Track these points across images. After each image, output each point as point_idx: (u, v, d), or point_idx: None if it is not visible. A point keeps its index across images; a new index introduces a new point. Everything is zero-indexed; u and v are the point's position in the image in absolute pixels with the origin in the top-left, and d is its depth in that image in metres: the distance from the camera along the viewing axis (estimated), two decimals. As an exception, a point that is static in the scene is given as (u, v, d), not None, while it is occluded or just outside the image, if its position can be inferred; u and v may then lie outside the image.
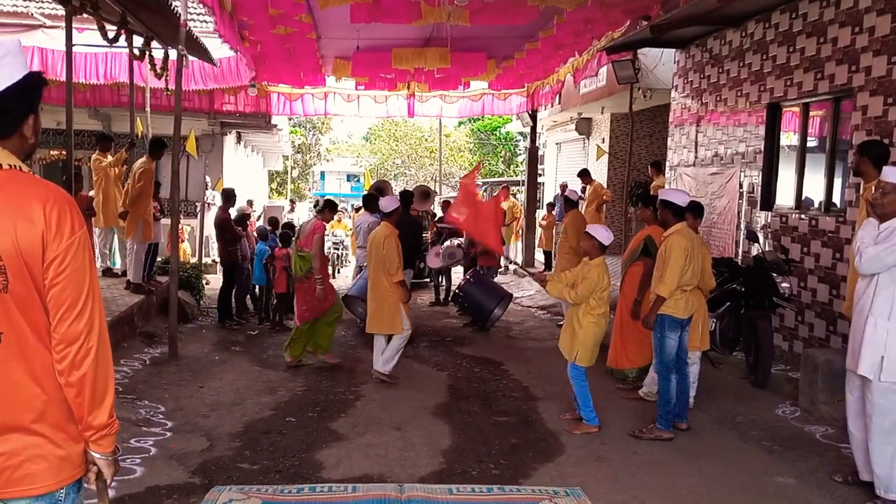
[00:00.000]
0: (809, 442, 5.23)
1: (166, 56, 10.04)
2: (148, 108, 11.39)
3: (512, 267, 16.37)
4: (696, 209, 5.81)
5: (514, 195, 19.84)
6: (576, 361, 5.37)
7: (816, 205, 7.36)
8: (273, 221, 11.47)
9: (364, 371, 7.30)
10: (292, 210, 21.20)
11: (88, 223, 8.49)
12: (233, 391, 6.41)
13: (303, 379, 6.93)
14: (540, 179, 20.38)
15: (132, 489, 4.15)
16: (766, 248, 7.33)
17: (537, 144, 18.13)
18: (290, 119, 23.33)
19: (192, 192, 14.44)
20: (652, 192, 10.95)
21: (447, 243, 11.70)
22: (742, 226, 8.52)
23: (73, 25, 7.74)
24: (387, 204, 7.09)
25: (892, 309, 3.89)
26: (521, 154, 36.14)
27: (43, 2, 12.10)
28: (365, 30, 9.77)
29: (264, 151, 26.04)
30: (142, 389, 6.21)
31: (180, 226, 9.00)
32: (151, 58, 9.77)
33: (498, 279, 12.44)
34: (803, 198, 7.79)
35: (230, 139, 18.35)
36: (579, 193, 11.01)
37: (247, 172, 21.95)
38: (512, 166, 38.82)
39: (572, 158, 19.64)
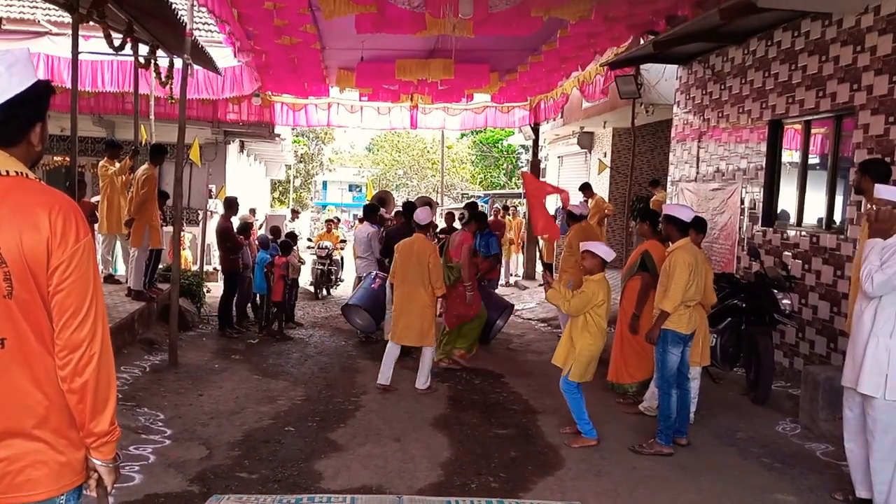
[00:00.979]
0: (810, 459, 5.21)
1: (171, 64, 10.10)
2: (152, 116, 11.43)
3: (513, 279, 16.40)
4: (699, 225, 5.83)
5: (515, 208, 19.90)
6: (568, 376, 5.36)
7: (816, 222, 7.38)
8: (275, 230, 11.49)
9: (364, 381, 7.29)
10: (294, 219, 21.19)
11: (91, 229, 8.51)
12: (232, 400, 6.40)
13: (302, 388, 6.93)
14: (541, 192, 20.38)
15: (131, 497, 4.14)
16: (767, 265, 7.34)
17: (539, 157, 18.18)
18: (293, 129, 23.38)
19: (195, 201, 14.46)
20: (652, 207, 10.99)
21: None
22: (744, 242, 8.53)
23: (80, 33, 7.77)
24: (424, 216, 7.16)
25: (895, 327, 3.90)
26: (522, 166, 36.23)
27: (49, 9, 12.16)
28: (369, 41, 9.83)
29: (267, 160, 26.09)
30: (141, 397, 6.20)
31: (182, 233, 9.00)
32: (157, 66, 9.83)
33: (498, 291, 12.43)
34: (779, 212, 8.00)
35: (233, 148, 18.39)
36: (581, 208, 11.03)
37: (249, 181, 21.98)
38: (513, 179, 38.90)
39: (574, 172, 19.67)
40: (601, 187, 15.76)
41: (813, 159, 7.70)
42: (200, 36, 11.35)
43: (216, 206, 14.22)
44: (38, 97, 1.90)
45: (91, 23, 7.73)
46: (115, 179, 9.02)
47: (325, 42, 10.28)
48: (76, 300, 1.83)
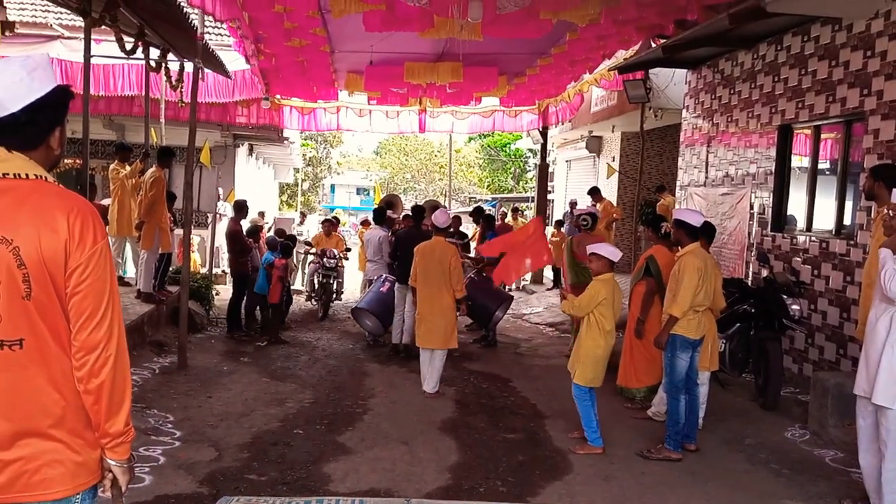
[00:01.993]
0: (819, 466, 5.19)
1: (182, 68, 10.16)
2: (162, 119, 11.50)
3: (522, 283, 16.37)
4: (707, 230, 5.83)
5: (523, 212, 19.92)
6: (574, 379, 5.37)
7: (826, 227, 7.36)
8: (280, 232, 11.53)
9: (372, 385, 7.31)
10: (302, 222, 21.28)
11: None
12: (241, 402, 6.43)
13: (311, 391, 6.95)
14: (549, 196, 20.42)
15: (141, 498, 4.16)
16: (777, 270, 7.32)
17: (547, 161, 18.19)
18: (301, 132, 23.48)
19: (204, 203, 14.52)
20: (658, 212, 10.98)
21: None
22: (753, 247, 8.51)
23: (92, 37, 7.84)
24: (444, 219, 7.22)
25: None
26: (530, 171, 36.23)
27: (62, 13, 12.26)
28: (378, 44, 9.86)
29: (275, 164, 26.19)
30: (151, 398, 6.23)
31: (191, 236, 9.04)
32: (167, 69, 9.88)
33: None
34: (788, 217, 8.01)
35: (242, 151, 18.47)
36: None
37: (258, 184, 22.07)
38: (521, 183, 38.90)
39: (582, 176, 19.68)
40: (610, 191, 15.75)
41: (823, 164, 7.68)
42: (211, 40, 11.41)
43: (225, 208, 14.28)
44: (57, 102, 1.93)
45: (103, 27, 7.78)
46: (125, 182, 9.07)
47: (334, 45, 10.31)
48: (93, 302, 1.85)
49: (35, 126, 1.89)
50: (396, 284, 8.80)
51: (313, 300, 12.29)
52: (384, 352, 8.94)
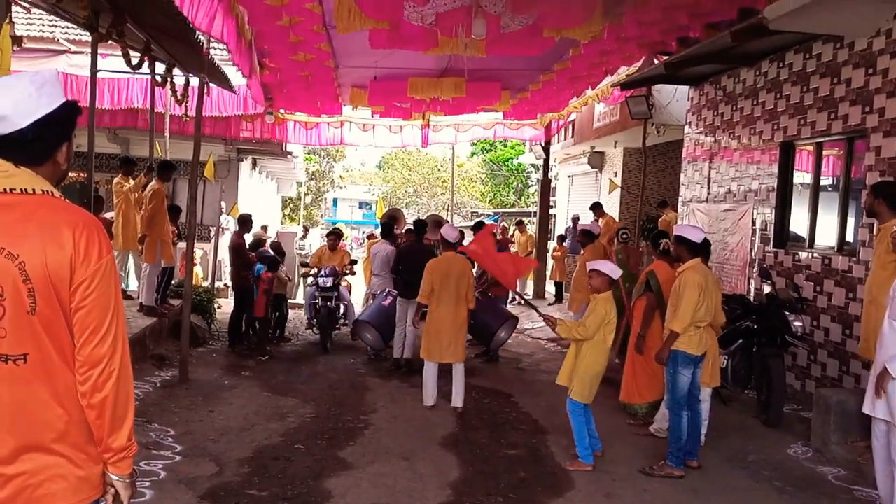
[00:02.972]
0: (821, 483, 5.17)
1: (187, 83, 10.23)
2: (167, 133, 11.57)
3: (526, 297, 16.33)
4: (705, 245, 5.85)
5: (524, 224, 19.92)
6: (571, 395, 5.35)
7: (828, 244, 7.36)
8: (275, 246, 11.56)
9: (373, 399, 7.29)
10: (305, 236, 21.32)
11: (105, 245, 8.58)
12: (242, 416, 6.41)
13: (312, 406, 6.93)
14: (552, 211, 20.44)
15: (141, 513, 4.15)
16: (779, 286, 7.32)
17: (549, 177, 18.22)
18: (304, 146, 23.59)
19: (208, 217, 14.55)
20: (660, 227, 11.00)
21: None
22: (755, 263, 8.51)
23: (98, 51, 7.90)
24: (454, 235, 7.30)
25: None
26: (532, 185, 36.32)
27: (69, 28, 12.35)
28: (382, 60, 9.93)
29: (279, 178, 26.29)
30: (152, 412, 6.23)
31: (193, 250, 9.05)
32: (173, 84, 9.95)
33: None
34: (790, 233, 8.04)
35: (246, 165, 18.56)
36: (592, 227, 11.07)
37: (261, 198, 22.15)
38: (523, 197, 38.99)
39: (584, 191, 19.69)
40: (612, 207, 15.77)
41: (825, 181, 7.69)
42: (216, 55, 11.49)
43: (228, 222, 14.32)
44: (65, 118, 1.94)
45: (110, 42, 7.85)
46: (129, 196, 9.11)
47: (338, 60, 10.39)
48: (98, 317, 1.86)
49: (42, 142, 1.90)
50: (398, 298, 8.80)
51: (314, 329, 10.54)
52: (385, 366, 8.93)
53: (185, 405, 6.62)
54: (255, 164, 20.20)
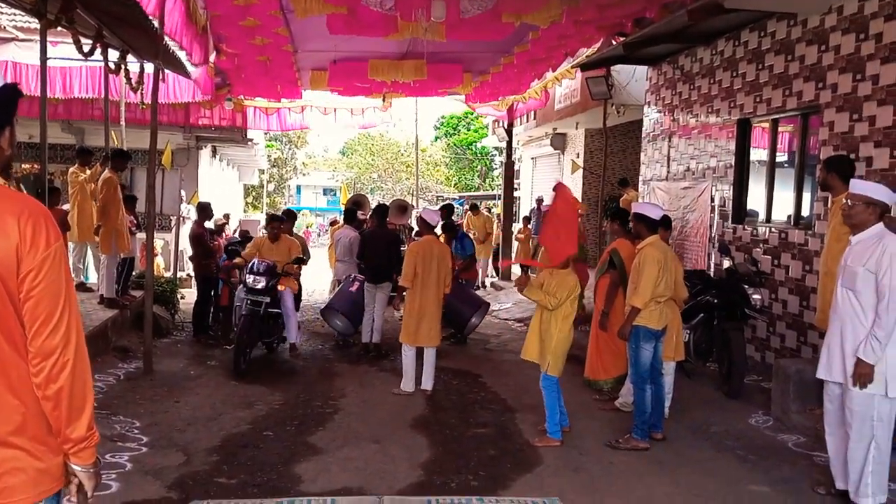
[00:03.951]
0: (782, 451, 5.31)
1: (142, 69, 10.00)
2: (122, 122, 11.32)
3: (488, 280, 16.42)
4: (665, 222, 5.95)
5: (489, 210, 19.98)
6: (547, 371, 5.39)
7: (785, 218, 7.53)
8: (243, 234, 11.39)
9: (342, 385, 7.29)
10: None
11: (63, 237, 8.39)
12: (209, 405, 6.36)
13: (280, 393, 6.90)
14: (516, 194, 20.52)
15: (108, 505, 4.11)
16: (738, 261, 7.47)
17: (513, 159, 18.28)
18: (266, 133, 23.26)
19: (168, 206, 14.33)
20: (622, 206, 11.12)
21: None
22: (714, 239, 8.67)
23: (48, 39, 7.67)
24: (435, 218, 7.39)
25: None
26: (496, 168, 36.40)
27: (16, 14, 11.97)
28: (342, 43, 9.84)
29: (240, 165, 25.92)
30: (116, 405, 6.14)
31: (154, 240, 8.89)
32: (127, 71, 9.73)
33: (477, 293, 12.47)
34: (748, 209, 8.20)
35: (206, 153, 18.26)
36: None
37: (222, 186, 21.83)
38: (488, 180, 39.06)
39: (548, 173, 19.83)
40: (574, 187, 15.88)
41: (781, 157, 7.85)
42: (170, 40, 11.26)
43: (189, 211, 14.10)
44: (5, 101, 1.89)
45: (59, 28, 7.63)
46: (84, 186, 8.91)
47: (297, 44, 10.26)
48: (47, 307, 1.81)
49: None
50: (366, 284, 8.78)
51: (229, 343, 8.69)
52: (354, 352, 8.92)
53: (150, 396, 6.54)
54: (215, 152, 19.88)
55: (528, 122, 18.40)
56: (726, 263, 7.34)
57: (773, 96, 7.56)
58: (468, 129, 40.88)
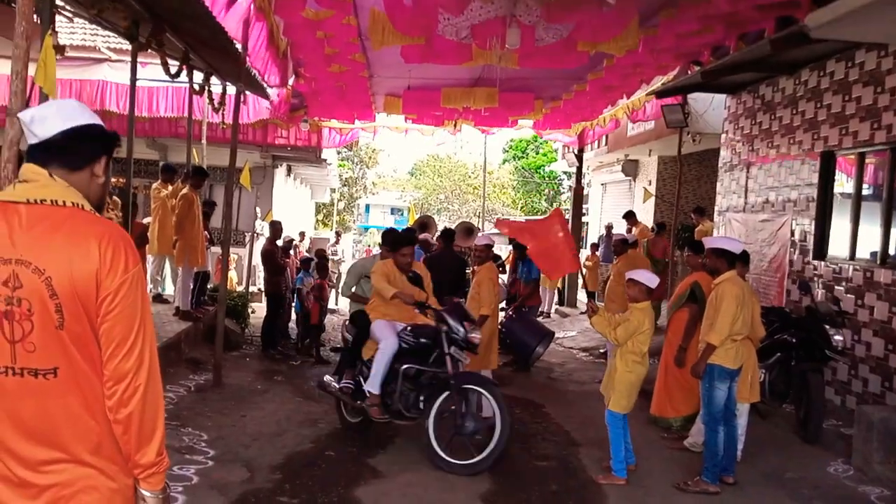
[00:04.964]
0: (863, 503, 5.02)
1: (224, 91, 10.37)
2: (204, 140, 11.74)
3: (553, 308, 16.18)
4: (743, 257, 5.74)
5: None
6: (609, 406, 5.28)
7: (870, 255, 7.18)
8: (319, 253, 11.62)
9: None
10: (337, 242, 21.47)
11: (141, 250, 8.72)
12: (274, 422, 6.45)
13: (343, 413, 6.94)
14: (584, 219, 20.30)
15: (174, 517, 4.19)
16: (819, 299, 7.15)
17: (582, 184, 18.10)
18: (338, 153, 23.75)
19: (243, 223, 14.77)
20: (696, 238, 10.84)
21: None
22: (794, 275, 8.33)
23: (138, 60, 8.06)
24: (484, 241, 7.50)
25: None
26: (564, 193, 36.11)
27: (109, 37, 12.62)
28: (416, 70, 9.96)
29: (313, 184, 26.53)
30: (186, 416, 6.29)
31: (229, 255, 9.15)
32: (210, 92, 10.10)
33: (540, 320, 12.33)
34: (830, 244, 7.88)
35: (281, 171, 18.77)
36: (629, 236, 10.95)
37: (295, 204, 22.38)
38: (555, 205, 38.76)
39: (618, 199, 19.55)
40: (645, 216, 15.60)
41: (867, 191, 7.51)
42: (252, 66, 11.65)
43: (263, 228, 14.48)
44: (97, 135, 1.96)
45: (149, 51, 7.99)
46: (166, 202, 9.25)
47: (372, 70, 10.46)
48: (123, 330, 1.83)
49: (75, 152, 1.91)
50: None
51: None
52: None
53: (218, 409, 6.68)
54: (289, 171, 20.43)
55: (598, 147, 18.22)
56: (806, 301, 7.04)
57: (860, 129, 7.26)
58: (537, 153, 40.73)
